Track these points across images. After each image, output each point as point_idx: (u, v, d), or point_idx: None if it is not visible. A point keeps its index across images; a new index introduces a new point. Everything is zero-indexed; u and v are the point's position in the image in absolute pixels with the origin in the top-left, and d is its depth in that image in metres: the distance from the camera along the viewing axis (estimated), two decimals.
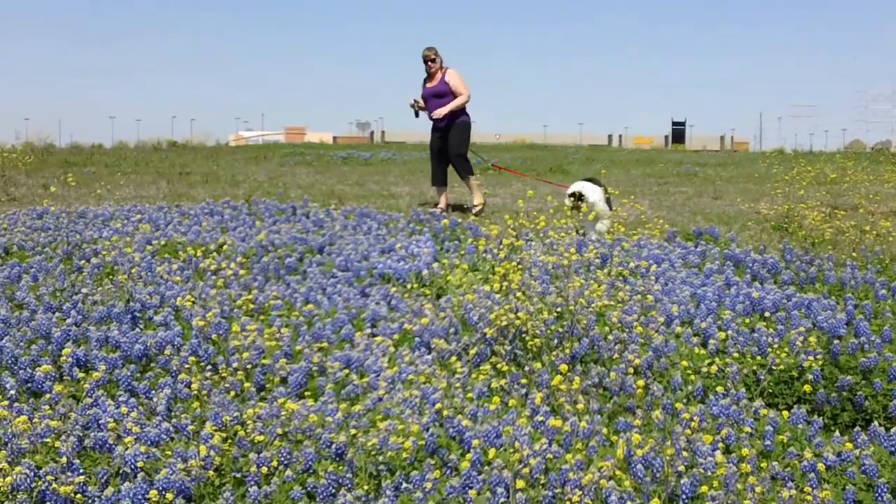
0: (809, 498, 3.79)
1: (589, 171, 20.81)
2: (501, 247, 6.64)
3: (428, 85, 12.52)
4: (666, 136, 65.85)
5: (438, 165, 12.68)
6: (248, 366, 5.30)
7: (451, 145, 12.41)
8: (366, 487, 3.95)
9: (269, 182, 17.01)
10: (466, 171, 12.56)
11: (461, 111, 12.44)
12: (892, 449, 4.57)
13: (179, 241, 8.72)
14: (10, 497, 3.65)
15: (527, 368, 5.35)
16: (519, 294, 5.99)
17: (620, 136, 68.41)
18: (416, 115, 12.73)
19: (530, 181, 16.58)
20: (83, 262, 7.71)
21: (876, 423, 4.92)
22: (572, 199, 9.69)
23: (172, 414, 4.71)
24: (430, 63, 12.38)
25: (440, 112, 12.17)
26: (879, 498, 4.03)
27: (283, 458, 4.15)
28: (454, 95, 12.28)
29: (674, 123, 67.58)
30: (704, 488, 3.79)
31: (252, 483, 3.96)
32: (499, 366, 5.39)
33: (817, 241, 10.24)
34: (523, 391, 5.08)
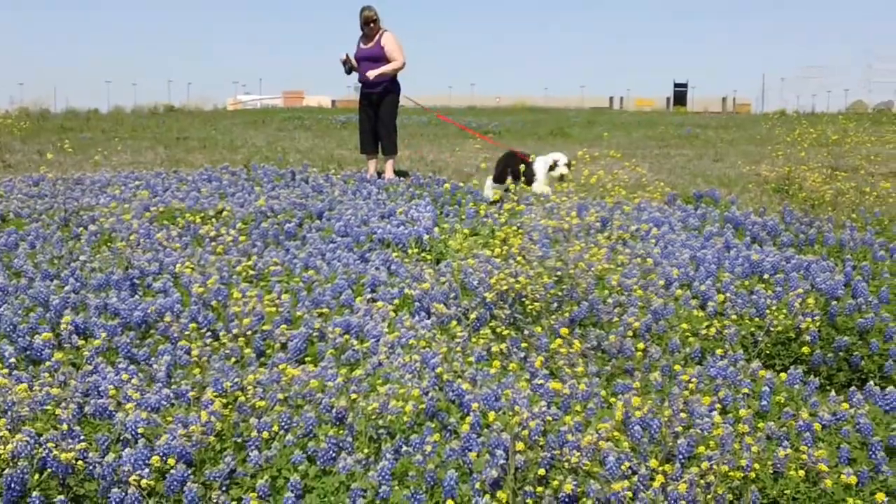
0: (804, 457, 3.81)
1: (591, 133, 20.78)
2: (502, 211, 6.64)
3: (363, 46, 11.78)
4: (668, 99, 65.67)
5: (368, 132, 12.02)
6: (248, 332, 5.30)
7: (381, 120, 11.82)
8: (366, 451, 3.95)
9: (268, 147, 16.98)
10: (391, 151, 11.95)
11: (392, 82, 11.84)
12: (887, 408, 4.60)
13: (178, 207, 8.71)
14: (11, 464, 3.67)
15: (526, 332, 5.36)
16: (519, 258, 5.99)
17: (622, 98, 68.15)
18: (348, 72, 11.96)
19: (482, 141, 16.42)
20: (81, 229, 7.72)
21: (871, 382, 4.95)
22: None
23: (173, 380, 4.72)
24: (371, 24, 11.65)
25: (373, 73, 11.51)
26: (873, 455, 4.05)
27: (283, 423, 4.15)
28: (388, 61, 11.61)
29: (676, 85, 67.38)
30: (701, 448, 3.81)
31: (253, 448, 3.97)
32: (498, 330, 5.40)
33: (817, 203, 10.23)
34: (522, 355, 5.10)
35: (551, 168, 9.73)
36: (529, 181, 9.45)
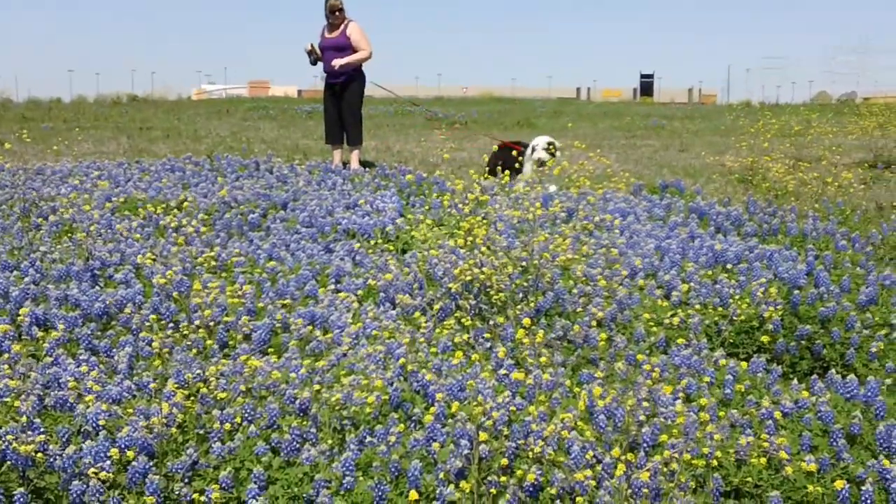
0: (766, 444, 3.84)
1: (557, 124, 20.80)
2: (467, 202, 6.63)
3: (328, 36, 11.67)
4: (634, 89, 65.91)
5: (334, 123, 11.94)
6: (211, 323, 5.25)
7: (345, 109, 11.74)
8: (330, 442, 3.94)
9: (232, 137, 16.86)
10: (357, 141, 11.86)
11: (357, 72, 11.78)
12: (848, 396, 4.64)
13: (140, 197, 8.63)
14: None
15: (491, 323, 5.36)
16: (484, 249, 5.98)
17: (589, 89, 68.29)
18: (313, 62, 11.83)
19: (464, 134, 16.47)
20: (41, 219, 7.63)
21: (833, 370, 5.00)
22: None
23: (134, 372, 4.67)
24: (336, 13, 11.52)
25: (339, 62, 11.40)
26: (834, 443, 4.08)
27: (246, 415, 4.13)
28: (354, 51, 11.52)
29: (642, 76, 67.65)
30: (664, 437, 3.82)
31: (215, 439, 3.94)
32: (463, 320, 5.39)
33: (781, 193, 10.33)
34: (488, 345, 5.09)
35: (532, 151, 9.75)
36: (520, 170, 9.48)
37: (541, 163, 9.66)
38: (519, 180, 9.58)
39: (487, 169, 9.91)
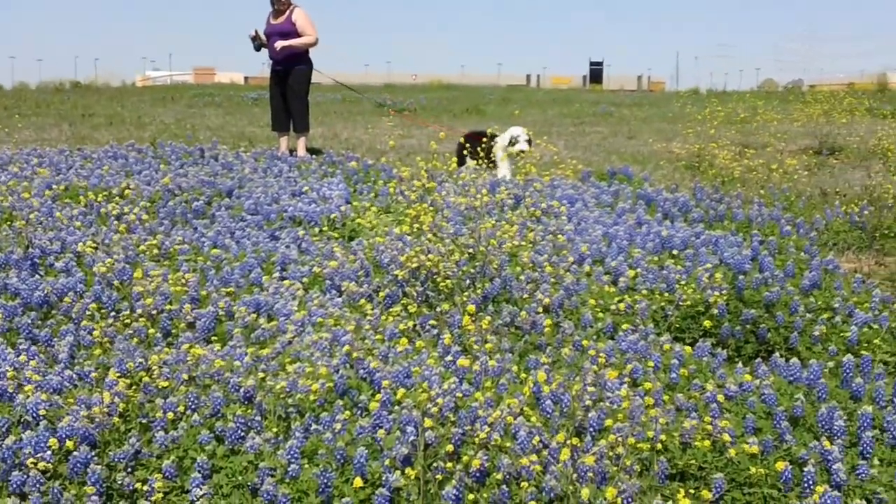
0: (710, 427, 3.86)
1: (506, 111, 20.82)
2: (413, 188, 6.60)
3: (273, 22, 11.51)
4: (584, 77, 66.09)
5: (280, 110, 11.83)
6: (154, 311, 5.20)
7: (291, 96, 11.63)
8: (275, 430, 3.91)
9: (177, 124, 16.66)
10: (303, 128, 11.78)
11: (303, 58, 11.63)
12: (791, 378, 4.68)
13: (81, 185, 8.49)
14: None
15: (438, 310, 5.34)
16: (430, 236, 5.96)
17: (539, 76, 68.38)
18: (257, 49, 11.68)
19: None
20: None
21: (777, 354, 5.05)
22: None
23: (75, 361, 4.61)
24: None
25: (281, 44, 11.23)
26: (777, 425, 4.12)
27: (190, 403, 4.09)
28: (300, 37, 11.37)
29: (591, 63, 67.86)
30: (610, 421, 3.83)
31: (158, 428, 3.91)
32: (410, 307, 5.36)
33: (727, 180, 10.43)
34: (434, 332, 5.08)
35: (510, 143, 9.71)
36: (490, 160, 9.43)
37: (520, 153, 9.65)
38: (498, 171, 9.58)
39: (456, 159, 9.85)
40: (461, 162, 9.39)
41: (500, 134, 10.01)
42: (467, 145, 8.88)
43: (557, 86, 56.34)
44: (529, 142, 9.75)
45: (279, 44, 11.23)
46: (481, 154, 8.44)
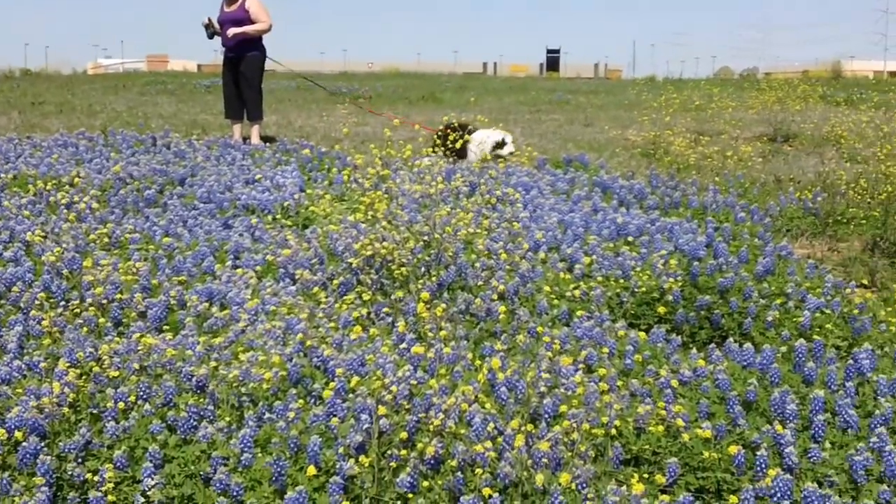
0: (664, 412, 3.87)
1: (462, 98, 20.80)
2: (367, 176, 6.55)
3: (226, 9, 11.31)
4: (541, 64, 66.13)
5: (233, 98, 11.65)
6: (104, 301, 5.14)
7: (244, 84, 11.45)
8: (228, 419, 3.88)
9: (129, 112, 16.43)
10: (256, 116, 11.64)
11: (255, 44, 11.43)
12: (745, 363, 4.72)
13: (30, 174, 8.36)
14: None
15: (393, 297, 5.31)
16: (384, 223, 5.93)
17: (496, 63, 68.26)
18: (210, 36, 11.49)
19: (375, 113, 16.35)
20: None
21: (731, 339, 5.08)
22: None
23: (24, 352, 4.55)
24: None
25: (232, 31, 11.07)
26: (731, 410, 4.15)
27: (141, 393, 4.05)
28: (253, 24, 11.19)
29: (548, 51, 67.95)
30: (565, 407, 3.82)
31: (109, 418, 3.87)
32: (364, 295, 5.33)
33: (683, 167, 10.48)
34: (389, 319, 5.05)
35: (495, 147, 9.65)
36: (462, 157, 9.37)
37: (510, 154, 9.61)
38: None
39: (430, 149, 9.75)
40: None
41: (480, 128, 9.97)
42: (448, 137, 8.89)
43: (514, 73, 56.32)
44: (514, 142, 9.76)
45: (231, 31, 11.08)
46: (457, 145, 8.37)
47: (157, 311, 5.09)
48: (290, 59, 14.04)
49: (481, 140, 9.75)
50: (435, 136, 9.06)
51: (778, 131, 14.12)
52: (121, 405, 3.94)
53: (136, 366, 4.26)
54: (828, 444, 3.94)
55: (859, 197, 8.41)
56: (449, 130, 9.17)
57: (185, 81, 27.79)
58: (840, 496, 3.56)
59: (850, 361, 4.72)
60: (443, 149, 7.77)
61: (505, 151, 9.60)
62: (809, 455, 3.83)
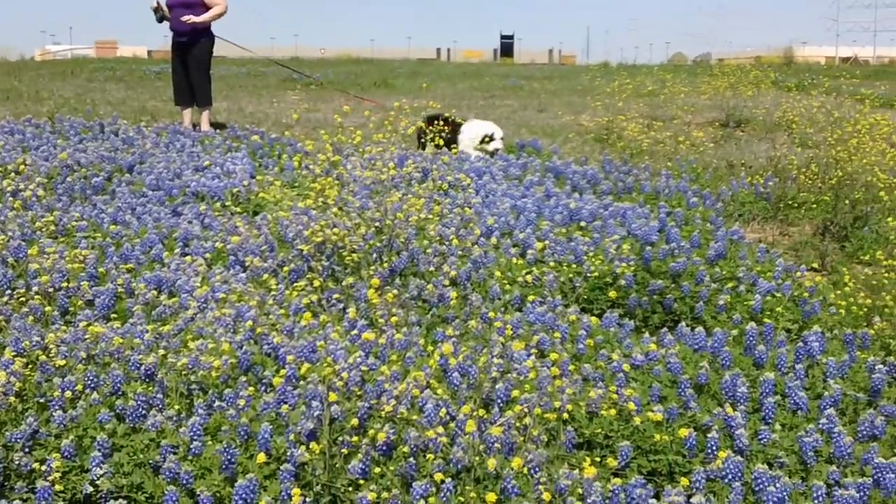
0: (616, 396, 3.87)
1: (415, 84, 20.70)
2: (318, 162, 6.50)
3: None
4: (495, 50, 66.10)
5: (182, 84, 11.31)
6: (50, 289, 5.06)
7: (193, 69, 11.17)
8: (177, 407, 3.85)
9: (77, 99, 16.14)
10: (206, 102, 11.39)
11: (205, 30, 11.08)
12: (696, 347, 4.75)
13: None
14: None
15: (344, 284, 5.28)
16: (335, 210, 5.88)
17: (449, 49, 68.17)
18: (159, 20, 11.17)
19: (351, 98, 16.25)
20: None
21: (683, 323, 5.10)
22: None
23: None
24: None
25: (194, 19, 10.76)
26: (682, 393, 4.17)
27: (89, 382, 4.02)
28: (204, 7, 10.85)
29: (502, 37, 67.87)
30: (517, 392, 3.82)
31: (56, 407, 3.83)
32: (315, 282, 5.28)
33: (635, 152, 10.50)
34: (341, 306, 5.02)
35: (483, 141, 9.56)
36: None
37: (494, 152, 9.52)
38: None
39: (419, 142, 9.68)
40: (421, 147, 9.36)
41: (466, 122, 9.90)
42: (429, 128, 8.85)
43: (468, 59, 56.16)
44: (502, 139, 9.69)
45: (188, 18, 10.86)
46: (440, 142, 8.26)
47: (105, 300, 5.03)
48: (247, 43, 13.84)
49: (474, 135, 9.66)
50: (425, 127, 9.04)
51: (730, 116, 14.21)
52: (68, 394, 3.90)
53: (84, 354, 4.23)
54: (778, 426, 3.97)
55: (810, 182, 8.48)
56: (436, 123, 9.17)
57: (135, 68, 27.38)
58: (790, 477, 3.59)
59: (800, 344, 4.76)
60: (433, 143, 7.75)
61: (491, 147, 9.51)
62: (760, 437, 3.86)
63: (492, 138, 9.59)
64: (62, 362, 4.14)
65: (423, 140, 9.38)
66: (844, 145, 8.24)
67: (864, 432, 3.93)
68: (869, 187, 7.75)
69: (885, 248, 6.47)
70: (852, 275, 5.79)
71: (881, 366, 4.42)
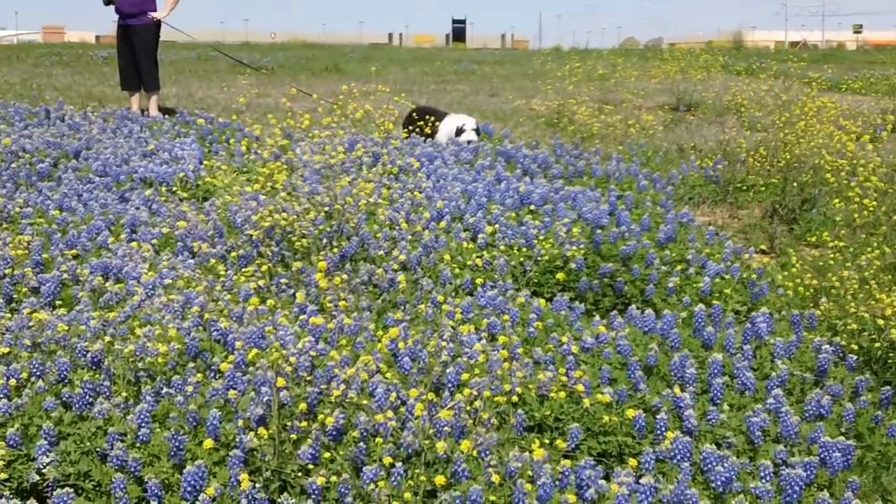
0: (565, 379, 3.88)
1: (366, 69, 20.56)
2: (266, 147, 6.44)
3: None
4: (447, 35, 65.92)
5: (129, 68, 11.10)
6: None
7: (140, 53, 10.92)
8: (125, 394, 3.81)
9: (22, 84, 15.86)
10: (153, 87, 11.17)
11: (150, 11, 10.86)
12: (646, 329, 4.78)
13: None
14: None
15: (294, 269, 5.25)
16: (284, 195, 5.84)
17: (401, 34, 67.95)
18: (106, 3, 10.86)
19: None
20: None
21: (633, 306, 5.14)
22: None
23: None
24: None
25: (160, 15, 10.71)
26: (632, 375, 4.20)
27: (34, 370, 3.97)
28: None
29: (454, 22, 67.65)
30: (467, 376, 3.82)
31: (1, 396, 3.77)
32: (263, 267, 5.24)
33: (586, 136, 10.54)
34: (291, 291, 4.99)
35: (457, 133, 9.48)
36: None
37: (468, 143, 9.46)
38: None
39: (405, 131, 9.63)
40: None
41: (446, 116, 9.85)
42: (417, 120, 8.84)
43: (420, 44, 56.04)
44: (477, 131, 9.62)
45: (158, 15, 10.74)
46: (427, 131, 8.21)
47: (50, 287, 4.96)
48: (188, 27, 13.64)
49: (451, 129, 9.60)
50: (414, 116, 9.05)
51: (680, 100, 14.31)
52: (13, 382, 3.85)
53: (29, 342, 4.18)
54: (726, 407, 4.01)
55: (759, 165, 8.56)
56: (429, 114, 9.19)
57: (82, 53, 26.95)
58: (738, 457, 3.63)
59: (749, 325, 4.82)
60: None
61: (463, 138, 9.44)
62: (708, 417, 3.90)
63: (463, 130, 9.54)
64: (6, 350, 4.08)
65: (411, 130, 9.44)
66: (792, 128, 8.31)
67: (811, 412, 3.99)
68: (817, 170, 7.83)
69: (832, 229, 6.54)
70: (800, 257, 5.85)
71: (827, 346, 4.48)
